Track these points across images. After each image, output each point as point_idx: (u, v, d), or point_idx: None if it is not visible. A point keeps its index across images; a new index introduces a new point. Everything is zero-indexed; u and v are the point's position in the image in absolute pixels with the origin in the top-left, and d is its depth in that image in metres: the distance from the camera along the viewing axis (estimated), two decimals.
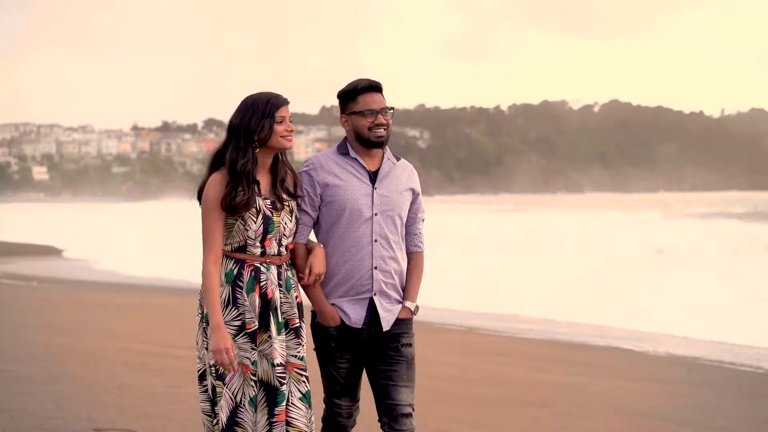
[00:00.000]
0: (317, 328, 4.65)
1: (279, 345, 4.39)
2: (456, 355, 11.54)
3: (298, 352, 4.46)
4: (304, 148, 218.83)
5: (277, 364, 4.37)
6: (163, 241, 40.12)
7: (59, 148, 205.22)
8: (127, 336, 11.64)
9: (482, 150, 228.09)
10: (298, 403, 4.40)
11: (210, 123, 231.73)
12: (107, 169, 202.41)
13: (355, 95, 4.63)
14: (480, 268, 26.36)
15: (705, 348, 13.15)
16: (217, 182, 4.42)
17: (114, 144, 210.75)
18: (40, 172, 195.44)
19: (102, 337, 11.40)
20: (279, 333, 4.41)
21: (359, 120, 4.60)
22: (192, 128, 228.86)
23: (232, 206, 4.38)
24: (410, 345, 4.66)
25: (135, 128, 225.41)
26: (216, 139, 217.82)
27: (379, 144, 4.62)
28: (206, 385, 4.49)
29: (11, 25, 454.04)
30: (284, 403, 4.36)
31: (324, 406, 4.73)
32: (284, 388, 4.36)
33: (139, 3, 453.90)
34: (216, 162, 4.48)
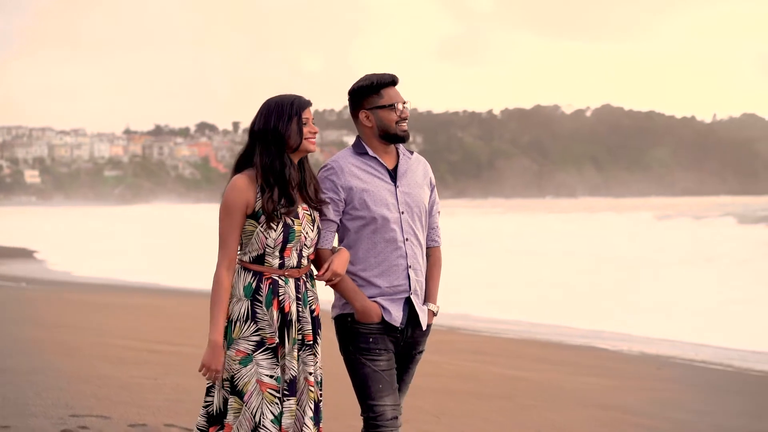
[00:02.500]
0: (351, 329, 4.44)
1: (289, 362, 4.26)
2: (432, 353, 11.73)
3: (314, 369, 4.34)
4: None
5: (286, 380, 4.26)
6: (140, 244, 40.67)
7: (51, 151, 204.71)
8: (108, 332, 11.83)
9: (475, 154, 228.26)
10: (309, 422, 4.26)
11: (202, 127, 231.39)
12: (99, 173, 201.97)
13: (379, 89, 4.47)
14: (465, 270, 26.58)
15: (679, 348, 13.37)
16: (242, 186, 4.24)
17: (106, 147, 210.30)
18: (31, 176, 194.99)
19: (83, 333, 11.60)
20: (292, 350, 4.27)
21: (387, 114, 4.46)
22: (184, 132, 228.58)
23: (274, 213, 4.21)
24: (423, 351, 4.59)
25: (127, 132, 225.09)
26: (208, 142, 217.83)
27: (404, 138, 4.50)
28: (209, 402, 4.31)
29: (3, 28, 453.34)
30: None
31: (363, 423, 4.46)
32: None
33: (132, 6, 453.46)
34: (239, 167, 4.31)
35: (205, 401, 4.31)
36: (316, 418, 4.30)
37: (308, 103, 4.35)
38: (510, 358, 11.80)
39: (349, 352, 4.45)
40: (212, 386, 4.29)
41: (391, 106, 4.45)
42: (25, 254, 33.09)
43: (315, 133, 4.35)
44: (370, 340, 4.40)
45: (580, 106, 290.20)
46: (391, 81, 4.48)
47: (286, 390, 4.22)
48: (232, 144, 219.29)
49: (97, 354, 9.66)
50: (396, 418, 4.40)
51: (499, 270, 27.16)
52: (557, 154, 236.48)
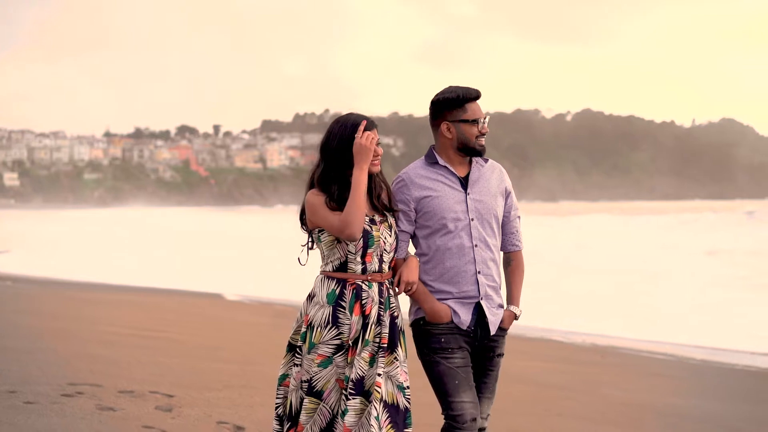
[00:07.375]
0: (423, 331, 4.53)
1: (358, 362, 4.34)
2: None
3: (394, 371, 4.40)
4: (278, 155, 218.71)
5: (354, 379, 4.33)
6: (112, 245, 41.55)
7: (30, 154, 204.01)
8: (98, 321, 12.74)
9: None
10: (374, 422, 4.28)
11: (183, 130, 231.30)
12: (79, 176, 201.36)
13: (463, 103, 4.53)
14: None
15: (632, 342, 14.07)
16: (315, 196, 4.41)
17: (86, 150, 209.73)
18: (10, 178, 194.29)
19: (76, 322, 12.52)
20: (363, 350, 4.35)
21: (469, 128, 4.53)
22: (165, 135, 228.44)
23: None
24: (502, 355, 4.62)
25: (107, 134, 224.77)
26: (189, 146, 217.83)
27: (481, 153, 4.58)
28: (279, 403, 4.49)
29: None
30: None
31: (443, 423, 4.52)
32: (368, 403, 4.32)
33: (113, 9, 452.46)
34: (311, 182, 4.47)
35: (275, 403, 4.49)
36: (403, 423, 4.38)
37: (372, 126, 4.44)
38: None
39: (424, 353, 4.54)
40: (282, 381, 4.50)
41: (474, 121, 4.53)
42: None
43: (379, 155, 4.44)
44: (442, 339, 4.47)
45: (560, 110, 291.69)
46: (476, 96, 4.56)
47: (352, 389, 4.31)
48: (213, 147, 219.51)
49: (90, 338, 10.59)
50: (475, 419, 4.44)
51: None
52: (537, 159, 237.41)
